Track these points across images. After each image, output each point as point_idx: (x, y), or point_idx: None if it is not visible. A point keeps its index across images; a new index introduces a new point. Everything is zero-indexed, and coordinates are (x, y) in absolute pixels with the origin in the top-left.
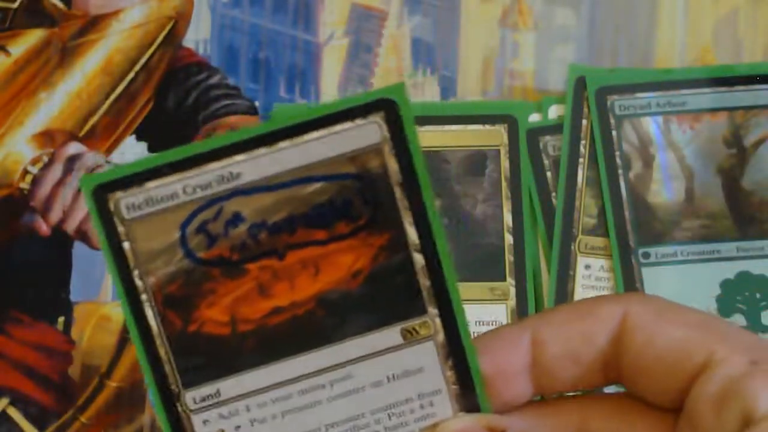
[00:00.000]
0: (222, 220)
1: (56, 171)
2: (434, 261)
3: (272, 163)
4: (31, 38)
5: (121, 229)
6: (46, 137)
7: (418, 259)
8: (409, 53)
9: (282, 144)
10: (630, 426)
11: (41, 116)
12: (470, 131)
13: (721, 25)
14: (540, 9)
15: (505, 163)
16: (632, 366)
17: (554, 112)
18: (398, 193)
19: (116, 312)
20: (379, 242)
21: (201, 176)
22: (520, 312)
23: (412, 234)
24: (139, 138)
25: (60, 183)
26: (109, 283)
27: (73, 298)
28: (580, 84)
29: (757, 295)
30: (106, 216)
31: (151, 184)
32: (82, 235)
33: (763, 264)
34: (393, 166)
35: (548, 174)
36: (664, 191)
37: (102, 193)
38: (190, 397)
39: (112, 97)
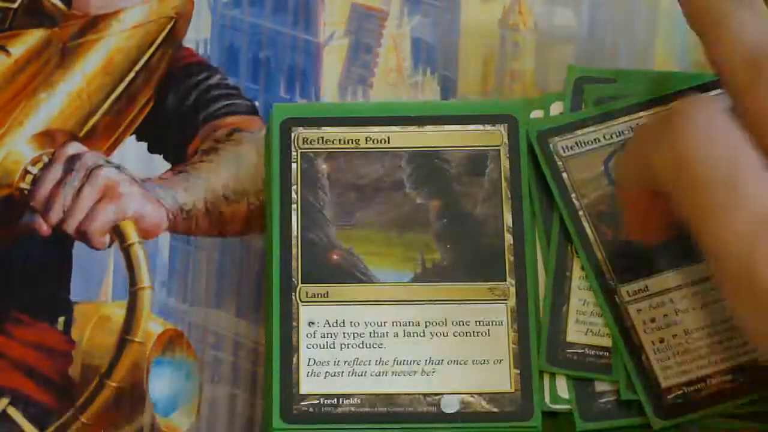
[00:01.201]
0: None
1: (56, 171)
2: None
3: None
4: (31, 38)
5: (559, 163)
6: (47, 137)
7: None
8: (409, 53)
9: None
10: None
11: (41, 116)
12: (470, 131)
13: None
14: (540, 9)
15: (505, 163)
16: None
17: (556, 109)
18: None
19: (116, 312)
20: None
21: (614, 127)
22: (520, 312)
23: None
24: (139, 138)
25: (60, 183)
26: (109, 282)
27: (73, 298)
28: (579, 86)
29: None
30: (548, 154)
31: (579, 132)
32: (82, 235)
33: None
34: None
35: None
36: None
37: (544, 137)
38: (625, 290)
39: (113, 97)
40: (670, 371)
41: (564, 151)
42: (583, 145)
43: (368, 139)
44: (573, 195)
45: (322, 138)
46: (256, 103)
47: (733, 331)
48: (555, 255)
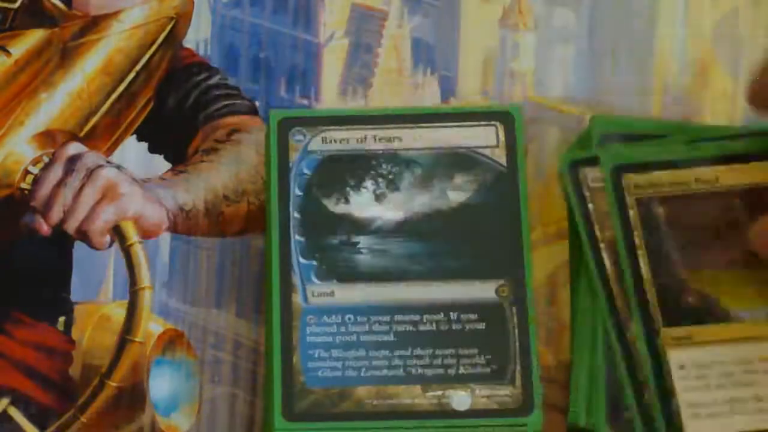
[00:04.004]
0: None
1: (57, 171)
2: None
3: None
4: (31, 38)
5: (588, 194)
6: (47, 137)
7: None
8: (409, 53)
9: None
10: None
11: (42, 116)
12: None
13: (721, 25)
14: (540, 9)
15: (502, 161)
16: None
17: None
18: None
19: (116, 312)
20: None
21: None
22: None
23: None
24: (139, 138)
25: (60, 183)
26: (109, 282)
27: (73, 298)
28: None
29: None
30: (577, 185)
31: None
32: (82, 235)
33: None
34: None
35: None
36: None
37: (575, 167)
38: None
39: (113, 97)
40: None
41: (593, 183)
42: None
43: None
44: (596, 227)
45: None
46: (256, 103)
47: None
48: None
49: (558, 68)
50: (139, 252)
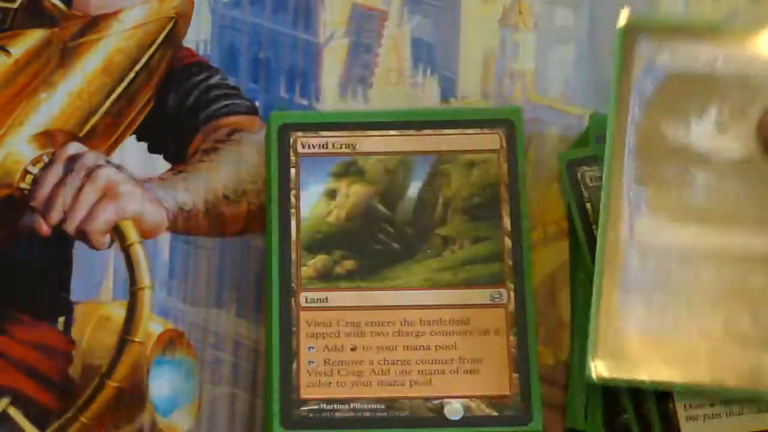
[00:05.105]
0: None
1: (57, 171)
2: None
3: None
4: (31, 38)
5: (586, 194)
6: (47, 137)
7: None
8: (409, 53)
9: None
10: None
11: (41, 116)
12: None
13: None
14: (540, 9)
15: (503, 167)
16: None
17: None
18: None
19: (116, 312)
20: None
21: None
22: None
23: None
24: (139, 138)
25: (60, 183)
26: (109, 282)
27: (73, 298)
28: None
29: None
30: (575, 184)
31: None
32: (82, 234)
33: None
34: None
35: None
36: None
37: (573, 165)
38: None
39: (113, 97)
40: None
41: (591, 182)
42: None
43: None
44: (594, 226)
45: None
46: (256, 103)
47: None
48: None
49: (558, 68)
50: (139, 252)
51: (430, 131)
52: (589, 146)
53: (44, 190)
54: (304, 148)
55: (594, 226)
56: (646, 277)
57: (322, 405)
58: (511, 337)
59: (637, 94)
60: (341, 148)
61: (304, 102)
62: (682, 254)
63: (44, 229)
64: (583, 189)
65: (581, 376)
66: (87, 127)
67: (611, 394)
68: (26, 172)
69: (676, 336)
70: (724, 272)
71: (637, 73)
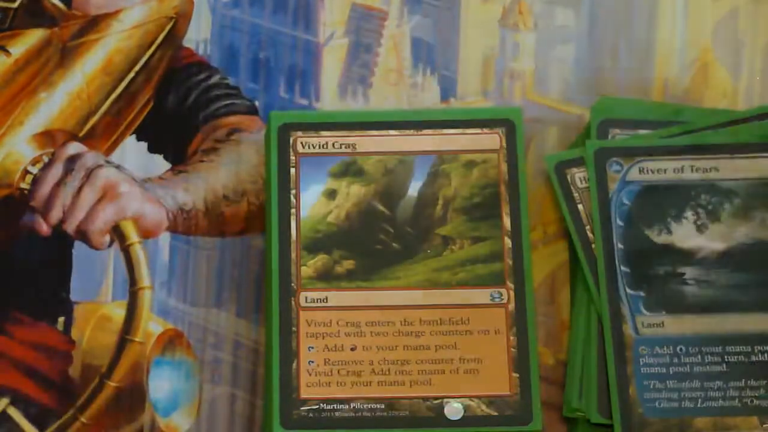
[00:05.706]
0: None
1: (56, 171)
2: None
3: None
4: (31, 38)
5: (576, 195)
6: (47, 137)
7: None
8: (409, 53)
9: None
10: None
11: (41, 116)
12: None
13: (721, 25)
14: (540, 9)
15: (502, 167)
16: None
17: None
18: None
19: (116, 312)
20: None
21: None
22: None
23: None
24: (139, 138)
25: (60, 183)
26: (109, 282)
27: (73, 298)
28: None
29: None
30: (565, 185)
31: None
32: (82, 235)
33: None
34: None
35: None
36: None
37: (562, 167)
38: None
39: (112, 97)
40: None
41: (581, 183)
42: None
43: None
44: (587, 227)
45: None
46: (256, 103)
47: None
48: None
49: (558, 68)
50: (138, 252)
51: (430, 131)
52: (590, 139)
53: (44, 190)
54: (303, 147)
55: (588, 227)
56: (659, 366)
57: (321, 405)
58: (511, 337)
59: (616, 207)
60: (341, 147)
61: (304, 102)
62: (687, 342)
63: (44, 229)
64: (573, 191)
65: (577, 362)
66: (87, 127)
67: (605, 381)
68: (26, 172)
69: (697, 414)
70: (730, 351)
71: (613, 188)
